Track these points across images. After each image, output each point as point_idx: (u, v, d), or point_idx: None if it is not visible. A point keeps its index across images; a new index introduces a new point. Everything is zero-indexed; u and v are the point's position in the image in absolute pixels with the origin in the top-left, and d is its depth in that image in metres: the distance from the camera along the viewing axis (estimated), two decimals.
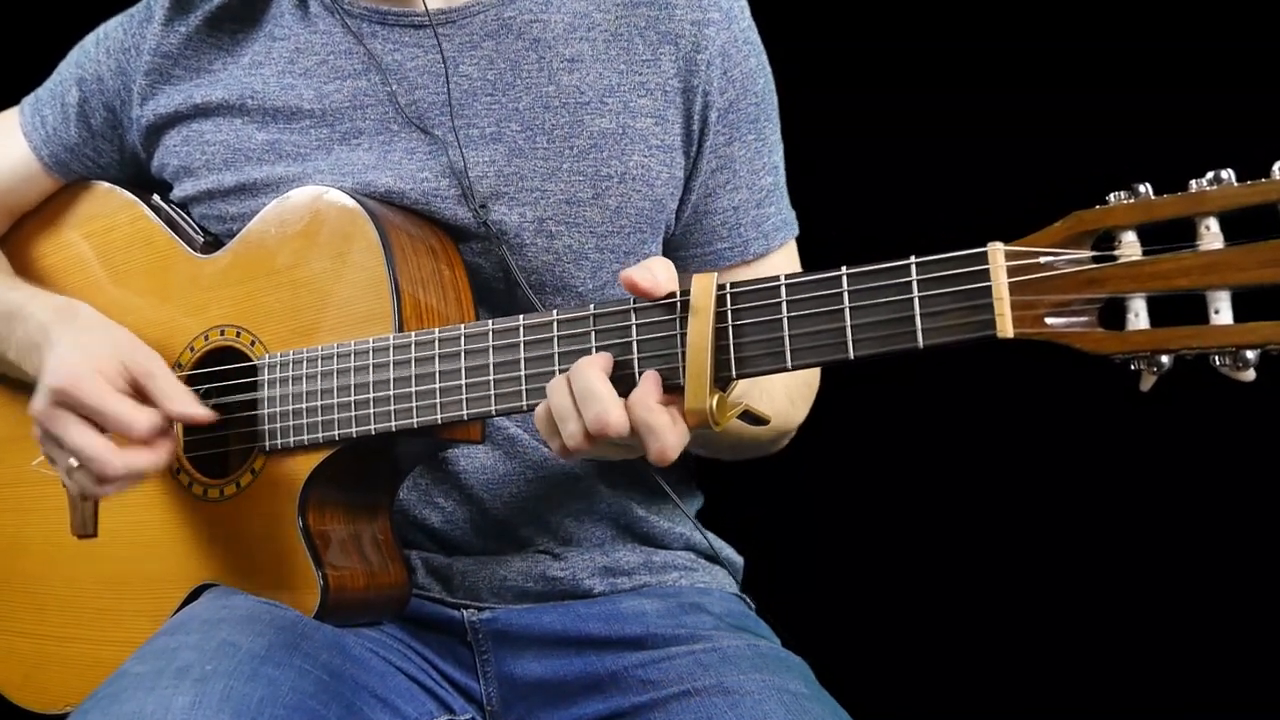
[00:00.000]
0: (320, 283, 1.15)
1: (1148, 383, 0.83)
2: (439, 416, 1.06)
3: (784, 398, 1.25)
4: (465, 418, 1.05)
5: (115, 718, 0.96)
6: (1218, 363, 0.80)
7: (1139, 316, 0.82)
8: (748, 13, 1.26)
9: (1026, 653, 1.85)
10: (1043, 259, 0.84)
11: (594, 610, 1.22)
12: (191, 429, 1.23)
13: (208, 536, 1.21)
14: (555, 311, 1.01)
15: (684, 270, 1.23)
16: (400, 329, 1.10)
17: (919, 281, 0.86)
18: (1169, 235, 0.81)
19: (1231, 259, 0.79)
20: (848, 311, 0.89)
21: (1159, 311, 0.82)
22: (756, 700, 1.07)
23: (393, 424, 1.09)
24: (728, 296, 0.93)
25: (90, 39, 1.35)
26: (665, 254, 1.25)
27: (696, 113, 1.21)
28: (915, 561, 1.90)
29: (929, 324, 0.86)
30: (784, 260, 1.28)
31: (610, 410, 0.93)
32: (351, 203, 1.15)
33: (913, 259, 0.87)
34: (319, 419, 1.13)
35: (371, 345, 1.10)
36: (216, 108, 1.26)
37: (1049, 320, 0.84)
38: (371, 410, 1.10)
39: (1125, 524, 1.82)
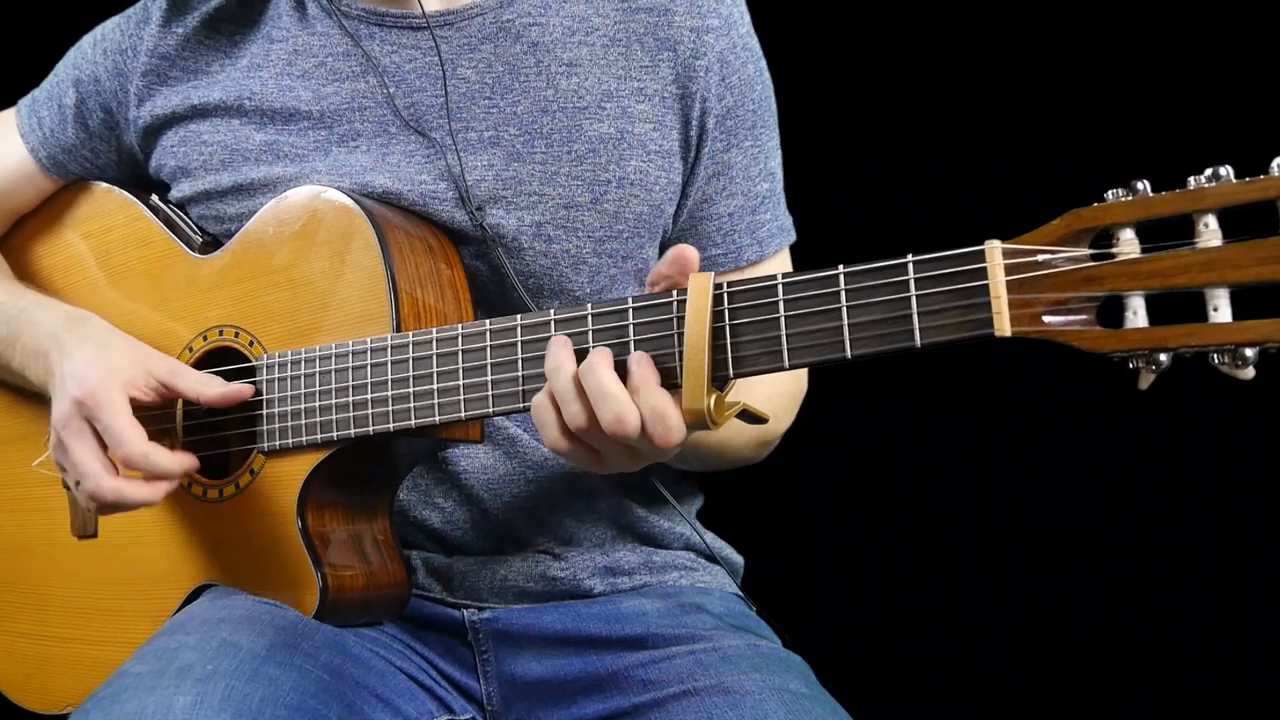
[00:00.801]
0: (318, 282, 1.15)
1: (1146, 381, 0.82)
2: (437, 416, 1.06)
3: (767, 407, 1.22)
4: (463, 417, 1.05)
5: (116, 718, 0.96)
6: (1216, 361, 0.80)
7: (1137, 314, 0.82)
8: (747, 19, 1.26)
9: (1026, 652, 1.85)
10: (1040, 257, 0.83)
11: (594, 610, 1.22)
12: (191, 430, 1.23)
13: (208, 537, 1.21)
14: (553, 310, 1.01)
15: None
16: (398, 329, 1.10)
17: (916, 280, 0.86)
18: (1167, 233, 0.81)
19: (1230, 256, 0.78)
20: (845, 310, 0.89)
21: (1157, 309, 0.82)
22: (757, 700, 1.07)
23: (391, 424, 1.09)
24: (725, 296, 0.93)
25: (87, 40, 1.35)
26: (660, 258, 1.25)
27: (694, 118, 1.21)
28: (915, 561, 1.90)
29: (926, 323, 0.86)
30: (778, 268, 1.28)
31: (627, 410, 0.92)
32: (349, 202, 1.15)
33: (910, 257, 0.87)
34: (318, 419, 1.13)
35: (370, 345, 1.10)
36: (214, 109, 1.26)
37: (1047, 318, 0.83)
38: (370, 410, 1.10)
39: (1124, 523, 1.82)
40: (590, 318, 0.98)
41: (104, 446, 1.13)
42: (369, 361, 1.10)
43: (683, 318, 0.93)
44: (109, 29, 1.33)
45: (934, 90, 1.84)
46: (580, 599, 1.23)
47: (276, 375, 1.16)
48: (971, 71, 1.82)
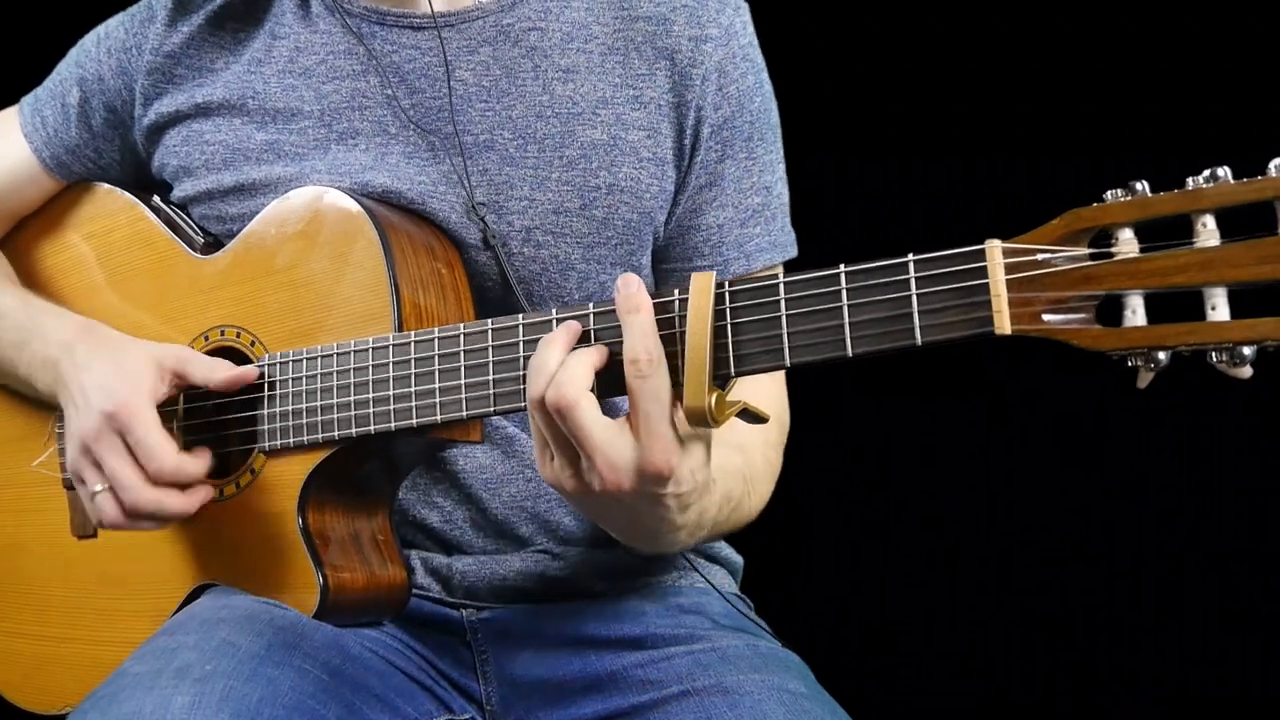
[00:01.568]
0: (320, 283, 1.15)
1: (1145, 379, 0.83)
2: (438, 416, 1.06)
3: (740, 488, 1.16)
4: (465, 417, 1.05)
5: (114, 718, 0.96)
6: (1214, 359, 0.80)
7: (1136, 313, 0.82)
8: (750, 31, 1.25)
9: (1025, 652, 1.85)
10: (1040, 256, 0.84)
11: (593, 610, 1.22)
12: (191, 430, 1.23)
13: (207, 536, 1.21)
14: (554, 310, 1.01)
15: (664, 284, 1.23)
16: (400, 328, 1.10)
17: (917, 279, 0.87)
18: (1166, 232, 0.81)
19: (1228, 256, 0.79)
20: (846, 309, 0.89)
21: (1156, 308, 0.82)
22: (756, 700, 1.07)
23: (392, 424, 1.09)
24: (726, 295, 0.93)
25: (90, 38, 1.35)
26: (652, 265, 1.25)
27: (689, 127, 1.20)
28: (914, 561, 1.91)
29: (927, 321, 0.86)
30: None
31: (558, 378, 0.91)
32: (351, 203, 1.15)
33: (910, 256, 0.87)
34: (318, 419, 1.13)
35: (371, 345, 1.11)
36: (217, 107, 1.26)
37: (1046, 317, 0.84)
38: (371, 410, 1.10)
39: (1123, 521, 1.82)
40: (592, 317, 0.98)
41: (134, 459, 1.13)
42: (370, 361, 1.10)
43: (684, 316, 0.93)
44: (113, 27, 1.33)
45: (934, 92, 1.84)
46: (579, 599, 1.23)
47: (278, 375, 1.16)
48: (971, 73, 1.82)
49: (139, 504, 1.12)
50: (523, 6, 1.22)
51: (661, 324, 0.95)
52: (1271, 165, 0.78)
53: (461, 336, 1.05)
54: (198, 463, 1.14)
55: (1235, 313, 0.79)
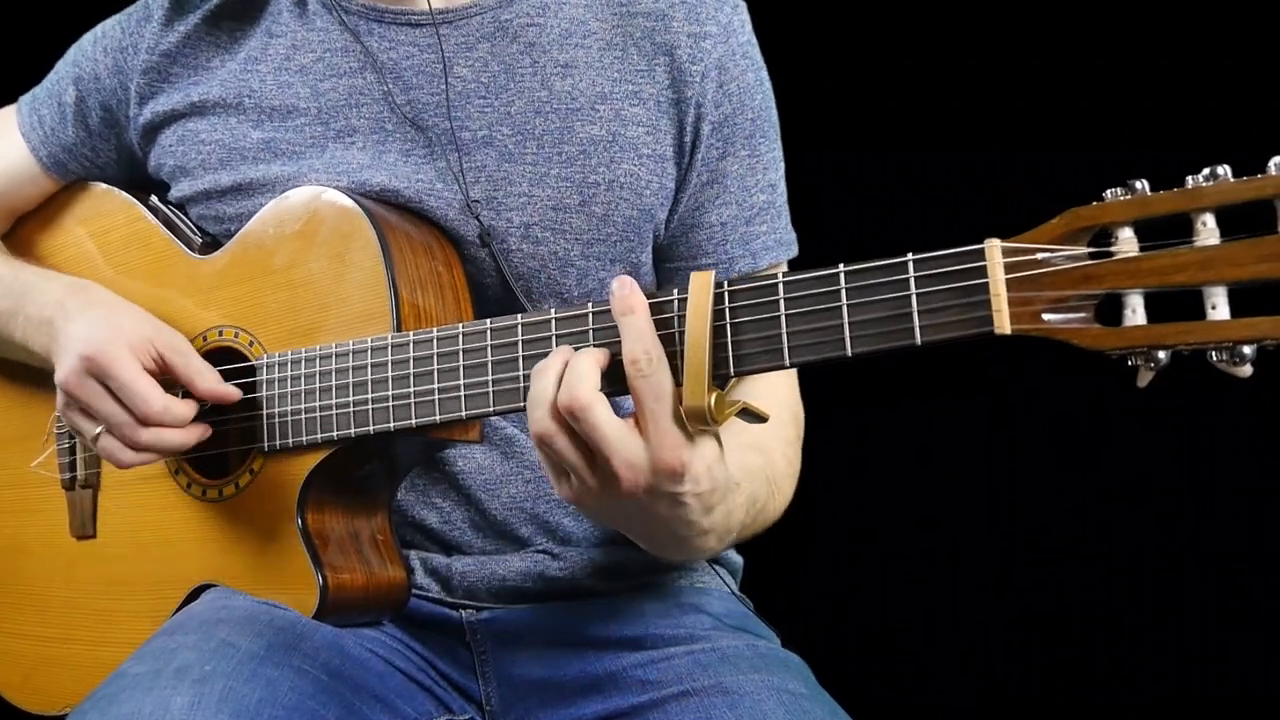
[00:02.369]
0: (318, 283, 1.15)
1: (1145, 379, 0.83)
2: (438, 415, 1.06)
3: (765, 490, 1.16)
4: (464, 417, 1.05)
5: (114, 718, 0.96)
6: (1214, 358, 0.80)
7: (1136, 312, 0.82)
8: (748, 28, 1.25)
9: (1025, 652, 1.85)
10: (1039, 255, 0.83)
11: (593, 610, 1.22)
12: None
13: (207, 537, 1.21)
14: (553, 310, 1.01)
15: (669, 283, 1.23)
16: (398, 328, 1.10)
17: (916, 279, 0.86)
18: (1166, 231, 0.81)
19: (1228, 254, 0.78)
20: (845, 309, 0.89)
21: (1156, 308, 0.82)
22: (755, 700, 1.07)
23: (391, 423, 1.09)
24: (725, 294, 0.93)
25: (87, 38, 1.35)
26: (654, 264, 1.25)
27: (689, 124, 1.20)
28: (914, 561, 1.91)
29: (926, 321, 0.86)
30: None
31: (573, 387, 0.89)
32: (350, 203, 1.15)
33: (910, 256, 0.87)
34: (317, 419, 1.13)
35: (370, 345, 1.11)
36: (213, 106, 1.26)
37: (1046, 316, 0.84)
38: (370, 410, 1.10)
39: (1123, 520, 1.82)
40: (590, 316, 0.98)
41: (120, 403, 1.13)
42: (369, 360, 1.10)
43: (683, 316, 0.93)
44: (109, 27, 1.33)
45: (933, 90, 1.84)
46: (579, 599, 1.23)
47: (276, 375, 1.16)
48: (970, 71, 1.82)
49: (138, 439, 1.13)
50: (520, 3, 1.22)
51: (661, 324, 0.95)
52: (1271, 163, 0.78)
53: (460, 336, 1.05)
54: (185, 404, 1.14)
55: (1235, 312, 0.79)
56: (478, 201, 1.18)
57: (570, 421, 0.90)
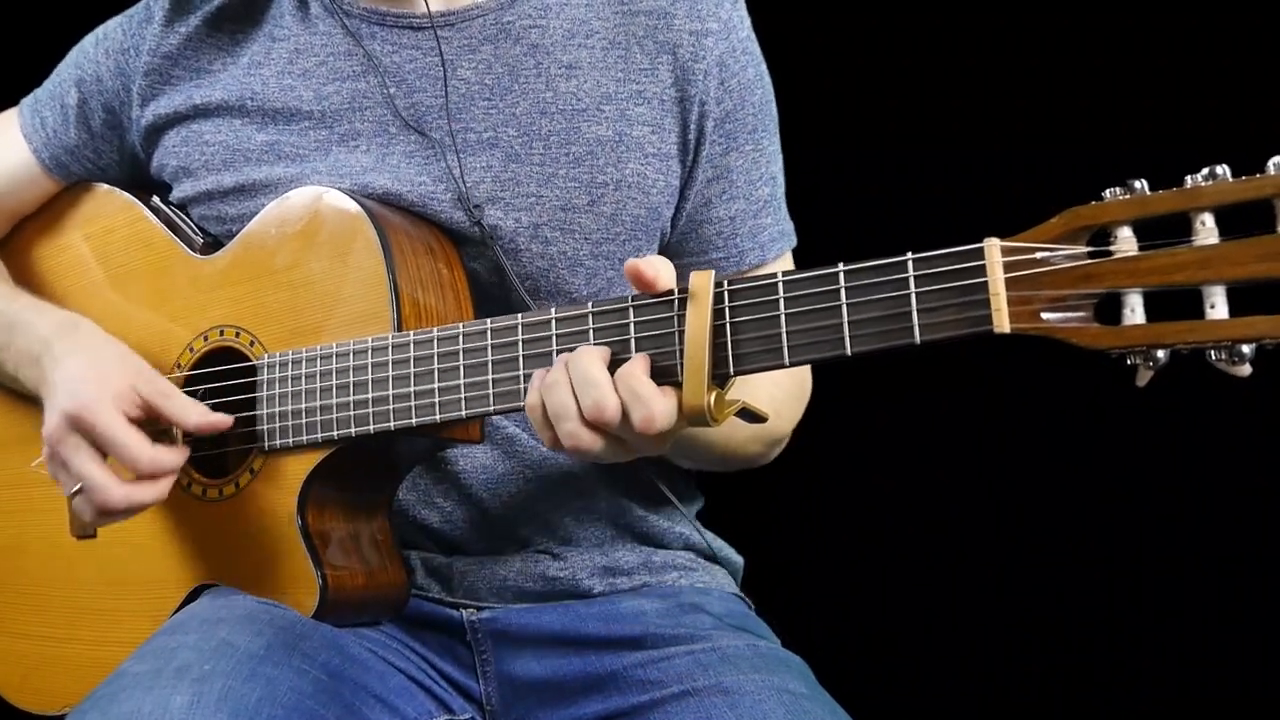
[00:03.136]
0: (319, 283, 1.15)
1: (1144, 378, 0.83)
2: (438, 415, 1.06)
3: (769, 408, 1.21)
4: (464, 416, 1.05)
5: (114, 717, 0.96)
6: (1213, 357, 0.80)
7: (1135, 312, 0.82)
8: (748, 24, 1.26)
9: (1025, 651, 1.85)
10: (1039, 254, 0.84)
11: (593, 610, 1.22)
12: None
13: (207, 536, 1.21)
14: (553, 309, 1.01)
15: (679, 279, 1.23)
16: (399, 328, 1.10)
17: (915, 278, 0.87)
18: (1165, 231, 0.81)
19: (1227, 254, 0.79)
20: (845, 308, 0.89)
21: (1155, 307, 0.82)
22: (756, 700, 1.07)
23: (391, 423, 1.09)
24: (725, 293, 0.93)
25: (89, 39, 1.35)
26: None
27: (693, 122, 1.21)
28: (914, 561, 1.91)
29: (926, 320, 0.86)
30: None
31: (608, 396, 0.94)
32: (351, 203, 1.15)
33: (909, 255, 0.87)
34: (318, 419, 1.13)
35: (370, 345, 1.11)
36: (216, 108, 1.26)
37: (1045, 315, 0.84)
38: (370, 410, 1.10)
39: (1123, 520, 1.82)
40: (591, 316, 0.98)
41: (103, 455, 1.14)
42: (370, 360, 1.10)
43: (683, 315, 0.93)
44: (111, 28, 1.33)
45: (932, 90, 1.84)
46: (579, 599, 1.23)
47: (277, 375, 1.16)
48: (970, 71, 1.82)
49: (110, 503, 1.12)
50: (522, 4, 1.23)
51: (661, 323, 0.95)
52: (1270, 163, 0.78)
53: (460, 336, 1.05)
54: (173, 453, 1.14)
55: (1234, 311, 0.79)
56: (479, 206, 1.18)
57: (602, 426, 0.95)
